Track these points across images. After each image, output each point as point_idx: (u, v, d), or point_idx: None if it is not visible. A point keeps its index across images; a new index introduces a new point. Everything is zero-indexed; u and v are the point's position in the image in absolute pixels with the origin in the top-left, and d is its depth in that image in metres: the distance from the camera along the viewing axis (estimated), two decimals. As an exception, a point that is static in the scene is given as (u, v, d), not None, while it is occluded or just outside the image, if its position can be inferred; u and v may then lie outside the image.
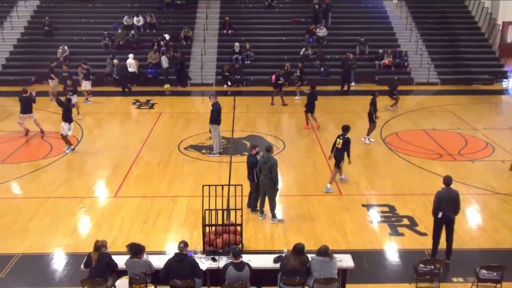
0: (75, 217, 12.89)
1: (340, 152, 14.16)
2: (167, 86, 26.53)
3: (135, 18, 29.99)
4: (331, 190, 14.23)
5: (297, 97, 24.01)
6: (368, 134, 18.23)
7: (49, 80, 23.88)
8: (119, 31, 28.88)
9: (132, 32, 29.24)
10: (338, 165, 14.25)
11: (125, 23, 29.94)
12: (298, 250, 9.03)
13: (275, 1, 32.06)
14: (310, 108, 19.71)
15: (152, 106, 23.22)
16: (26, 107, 18.59)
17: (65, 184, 14.81)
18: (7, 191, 14.43)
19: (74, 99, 20.66)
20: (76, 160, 16.68)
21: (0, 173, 15.51)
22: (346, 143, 14.07)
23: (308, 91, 20.25)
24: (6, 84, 26.40)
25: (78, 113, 20.72)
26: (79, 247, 11.36)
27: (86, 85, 23.20)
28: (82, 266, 9.31)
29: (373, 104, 17.92)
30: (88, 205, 13.54)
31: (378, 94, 18.35)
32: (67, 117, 17.04)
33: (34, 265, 10.85)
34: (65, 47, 27.72)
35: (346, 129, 14.29)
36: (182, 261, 8.93)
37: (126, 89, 25.68)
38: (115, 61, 26.00)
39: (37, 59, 28.22)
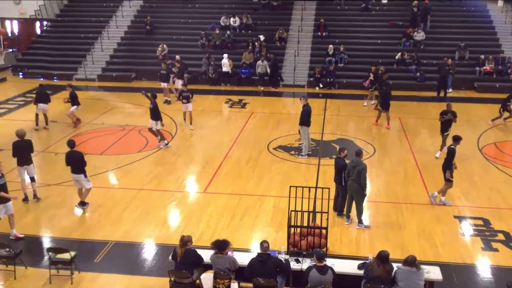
0: (165, 210, 13.38)
1: (444, 162, 13.53)
2: (261, 88, 26.69)
3: (231, 19, 30.59)
4: (447, 203, 13.58)
5: (365, 104, 23.31)
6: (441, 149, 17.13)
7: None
8: (216, 31, 29.58)
9: (228, 32, 29.85)
10: (445, 177, 13.47)
11: (222, 23, 30.62)
12: (383, 257, 8.85)
13: (371, 3, 31.50)
14: (385, 106, 19.86)
15: (244, 106, 23.60)
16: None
17: (157, 178, 15.40)
18: (105, 181, 15.23)
19: (189, 107, 19.75)
20: (169, 155, 17.29)
21: (99, 163, 16.40)
22: (449, 153, 13.32)
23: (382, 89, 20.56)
24: (109, 80, 27.87)
25: (191, 123, 19.90)
26: (168, 239, 11.79)
27: (178, 83, 23.95)
28: (170, 257, 9.66)
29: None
30: (178, 199, 14.01)
31: (450, 105, 17.14)
32: (155, 115, 17.48)
33: (126, 252, 11.38)
34: (164, 45, 28.74)
35: (455, 139, 13.63)
36: (265, 261, 9.02)
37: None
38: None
39: (138, 56, 29.56)
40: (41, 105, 19.41)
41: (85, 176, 12.99)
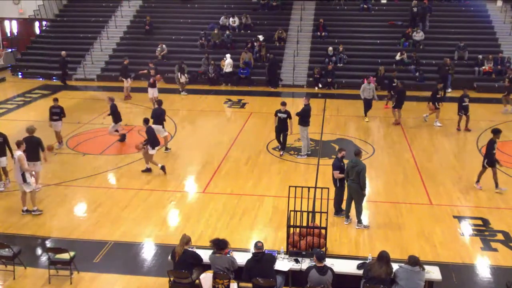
0: (165, 210, 13.38)
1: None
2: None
3: (231, 19, 30.59)
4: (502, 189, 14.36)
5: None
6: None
7: None
8: (215, 31, 29.58)
9: (227, 32, 29.85)
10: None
11: (221, 23, 30.62)
12: (384, 258, 8.85)
13: (371, 4, 31.48)
14: (398, 103, 20.36)
15: (243, 106, 23.59)
16: None
17: (157, 177, 15.38)
18: (104, 181, 15.21)
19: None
20: (168, 154, 17.28)
21: (98, 164, 16.40)
22: (488, 143, 14.43)
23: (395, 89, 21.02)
24: (108, 80, 27.85)
25: None
26: (168, 239, 11.78)
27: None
28: (169, 257, 9.66)
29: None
30: (178, 199, 14.00)
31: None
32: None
33: (125, 252, 11.37)
34: (163, 45, 28.76)
35: (494, 132, 14.61)
36: (260, 259, 9.03)
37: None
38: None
39: (137, 56, 29.49)
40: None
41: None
